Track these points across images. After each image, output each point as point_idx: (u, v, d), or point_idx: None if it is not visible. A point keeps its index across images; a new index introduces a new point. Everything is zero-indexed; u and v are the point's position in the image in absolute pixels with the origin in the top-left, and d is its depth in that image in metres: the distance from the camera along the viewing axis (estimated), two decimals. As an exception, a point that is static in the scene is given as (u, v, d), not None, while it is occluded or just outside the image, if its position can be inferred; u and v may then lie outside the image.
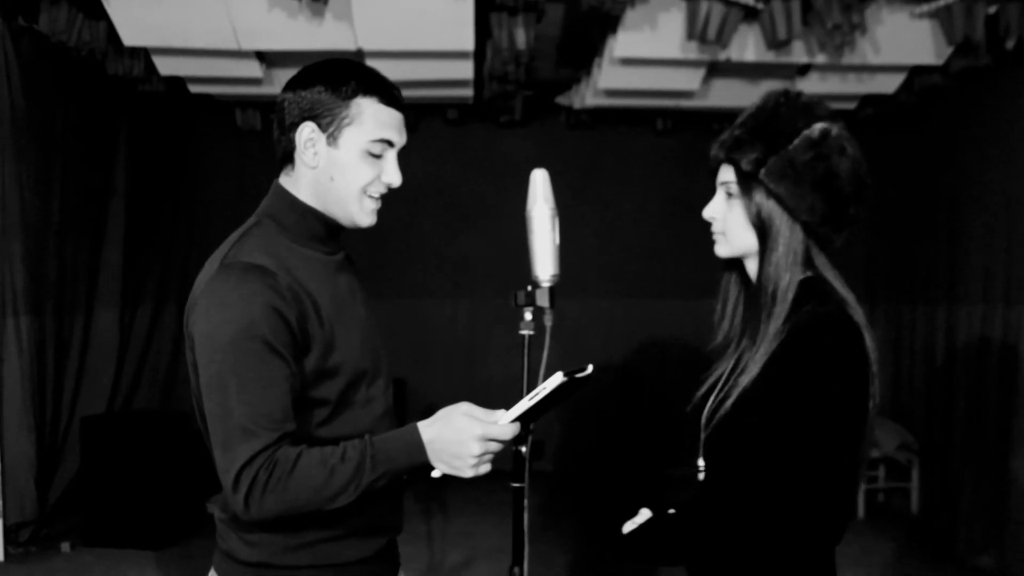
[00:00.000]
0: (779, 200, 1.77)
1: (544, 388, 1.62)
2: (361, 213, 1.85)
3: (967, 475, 5.58)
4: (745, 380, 1.77)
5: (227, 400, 1.67)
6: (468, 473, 1.68)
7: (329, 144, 1.80)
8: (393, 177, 1.85)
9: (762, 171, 1.77)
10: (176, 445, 5.59)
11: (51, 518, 5.62)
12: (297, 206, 1.85)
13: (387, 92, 1.82)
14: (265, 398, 1.66)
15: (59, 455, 5.76)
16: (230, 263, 1.73)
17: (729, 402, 1.79)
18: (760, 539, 1.73)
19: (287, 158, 1.86)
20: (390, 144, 1.84)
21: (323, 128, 1.79)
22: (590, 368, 1.68)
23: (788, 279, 1.78)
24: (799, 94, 1.87)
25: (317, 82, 1.80)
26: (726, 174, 1.85)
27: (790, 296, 1.77)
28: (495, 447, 1.68)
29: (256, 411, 1.65)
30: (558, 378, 1.60)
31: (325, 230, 1.88)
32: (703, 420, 1.90)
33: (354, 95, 1.79)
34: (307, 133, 1.80)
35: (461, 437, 1.67)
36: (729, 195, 1.85)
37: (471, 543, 5.62)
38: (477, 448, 1.66)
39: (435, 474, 1.72)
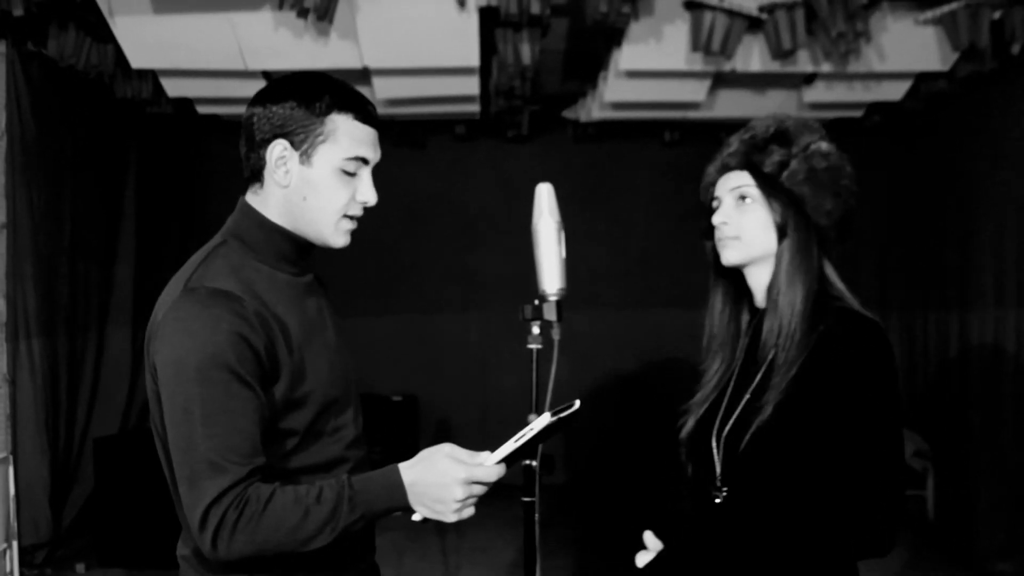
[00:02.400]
0: (799, 202, 1.82)
1: (531, 429, 1.60)
2: (335, 234, 1.78)
3: (983, 480, 5.54)
4: (775, 396, 1.76)
5: (192, 433, 1.58)
6: (451, 518, 1.62)
7: (302, 162, 1.73)
8: (368, 196, 1.77)
9: (784, 172, 1.82)
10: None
11: (66, 539, 5.63)
12: (265, 225, 1.77)
13: (362, 108, 1.75)
14: (233, 431, 1.58)
15: (73, 476, 5.77)
16: (194, 287, 1.66)
17: (762, 419, 1.76)
18: (824, 547, 1.72)
19: (255, 176, 1.78)
20: (365, 162, 1.76)
21: (296, 146, 1.72)
22: (577, 403, 1.63)
23: (807, 280, 1.82)
24: (797, 117, 1.94)
25: (289, 97, 1.72)
26: (738, 179, 1.88)
27: (809, 301, 1.81)
28: (479, 491, 1.62)
29: (223, 444, 1.57)
30: (545, 419, 1.58)
31: (294, 250, 1.80)
32: (717, 443, 1.86)
33: (328, 111, 1.71)
34: (279, 151, 1.72)
35: (444, 480, 1.59)
36: (743, 199, 1.87)
37: (486, 558, 5.60)
38: (460, 492, 1.59)
39: (416, 518, 1.65)
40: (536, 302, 1.75)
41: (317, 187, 1.73)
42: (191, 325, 1.61)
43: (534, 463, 1.71)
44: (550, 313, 1.74)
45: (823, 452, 1.71)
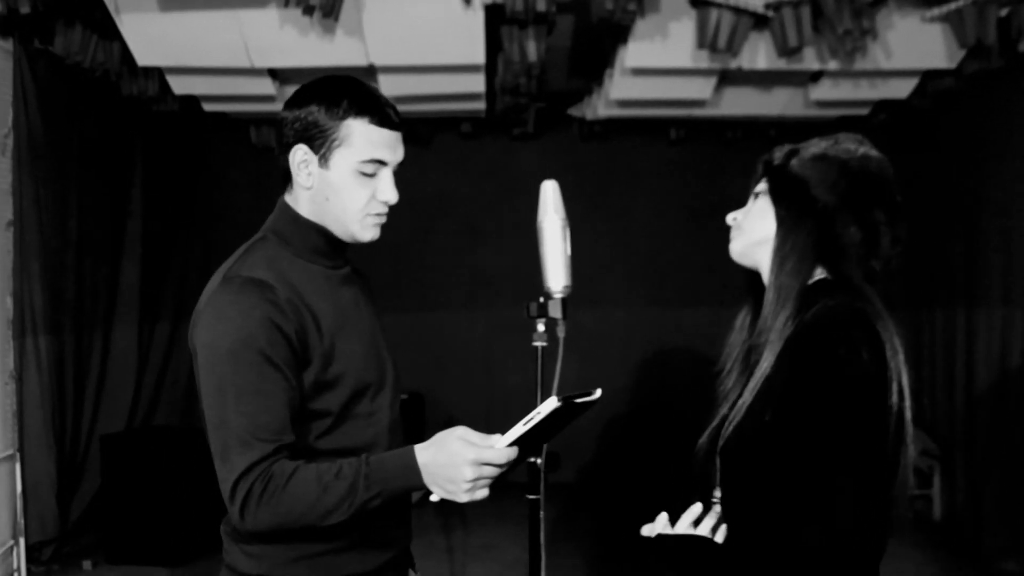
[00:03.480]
0: (804, 184, 1.74)
1: (538, 413, 1.59)
2: (362, 230, 1.86)
3: (990, 479, 5.53)
4: (748, 397, 1.68)
5: (225, 411, 1.69)
6: (463, 498, 1.66)
7: (321, 165, 1.81)
8: (389, 195, 1.84)
9: (793, 159, 1.77)
10: (196, 461, 5.56)
11: (72, 536, 5.65)
12: (300, 222, 1.87)
13: (379, 112, 1.81)
14: (261, 410, 1.68)
15: (80, 473, 5.78)
16: (231, 277, 1.76)
17: (739, 417, 1.70)
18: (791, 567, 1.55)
19: (287, 176, 1.88)
20: (383, 163, 1.83)
21: (315, 150, 1.80)
22: (598, 392, 1.64)
23: (796, 264, 1.72)
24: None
25: (311, 101, 1.81)
26: (757, 185, 1.85)
27: (795, 286, 1.70)
28: (490, 472, 1.65)
29: (252, 422, 1.67)
30: (552, 403, 1.57)
31: (328, 244, 1.89)
32: (720, 452, 1.78)
33: (345, 116, 1.79)
34: (300, 155, 1.81)
35: (454, 461, 1.64)
36: (755, 196, 1.84)
37: (492, 556, 5.60)
38: (470, 473, 1.63)
39: (434, 498, 1.71)
40: (541, 299, 1.75)
41: (337, 189, 1.82)
42: (226, 311, 1.72)
43: (539, 461, 1.71)
44: (555, 310, 1.73)
45: (775, 465, 1.59)
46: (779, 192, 1.78)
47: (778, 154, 1.82)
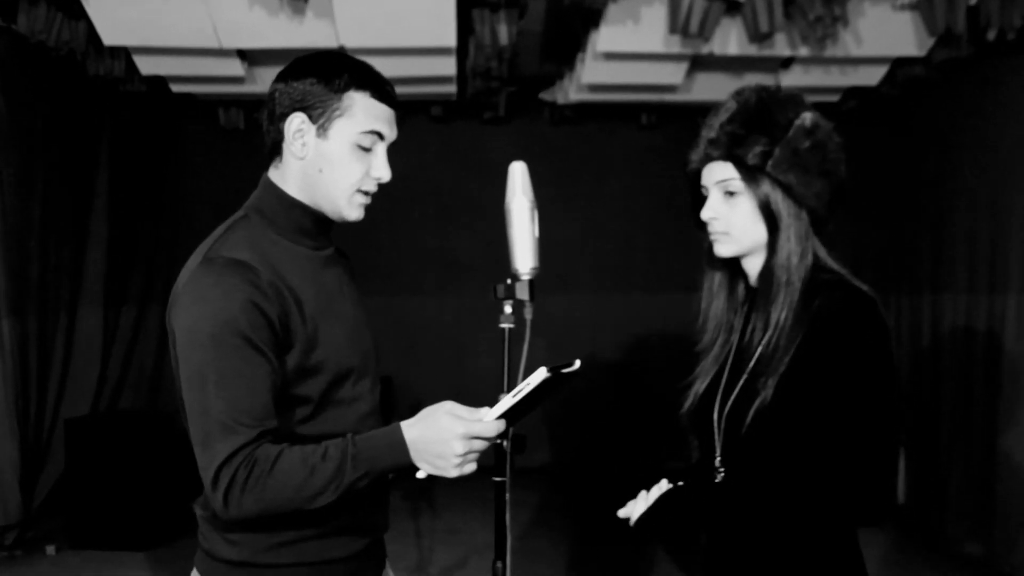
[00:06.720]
0: (787, 189, 1.79)
1: (528, 384, 1.59)
2: (349, 207, 1.83)
3: (954, 464, 5.60)
4: (774, 378, 1.75)
5: (206, 396, 1.64)
6: (452, 473, 1.65)
7: (319, 135, 1.78)
8: (382, 172, 1.83)
9: (769, 163, 1.78)
10: (162, 445, 5.56)
11: (36, 521, 5.60)
12: (284, 200, 1.83)
13: (379, 87, 1.81)
14: (244, 394, 1.64)
15: (43, 457, 5.73)
16: (212, 257, 1.71)
17: (763, 401, 1.75)
18: (821, 518, 1.75)
19: (276, 149, 1.84)
20: (380, 137, 1.82)
21: (313, 119, 1.78)
22: (578, 363, 1.65)
23: (801, 266, 1.80)
24: (777, 87, 1.90)
25: (309, 74, 1.79)
26: (722, 172, 1.84)
27: (802, 282, 1.79)
28: (479, 446, 1.65)
29: (235, 407, 1.63)
30: (541, 374, 1.57)
31: (313, 224, 1.86)
32: (718, 423, 1.86)
33: (346, 88, 1.77)
34: (297, 124, 1.78)
35: (443, 436, 1.63)
36: (729, 193, 1.83)
37: (459, 540, 5.61)
38: (460, 447, 1.62)
39: (420, 475, 1.69)
40: (509, 281, 1.74)
41: (332, 160, 1.80)
42: (207, 293, 1.67)
43: (505, 443, 1.70)
44: (523, 292, 1.72)
45: (820, 429, 1.71)
46: (764, 198, 1.81)
47: (751, 153, 1.80)
